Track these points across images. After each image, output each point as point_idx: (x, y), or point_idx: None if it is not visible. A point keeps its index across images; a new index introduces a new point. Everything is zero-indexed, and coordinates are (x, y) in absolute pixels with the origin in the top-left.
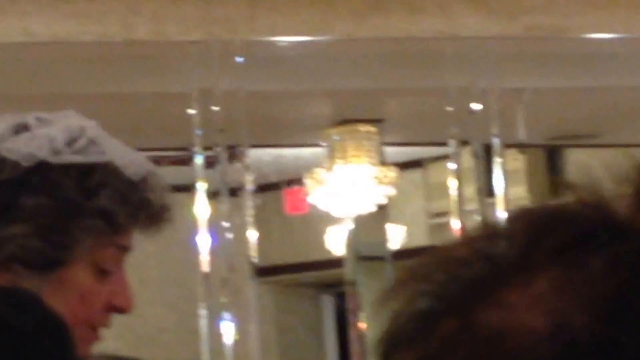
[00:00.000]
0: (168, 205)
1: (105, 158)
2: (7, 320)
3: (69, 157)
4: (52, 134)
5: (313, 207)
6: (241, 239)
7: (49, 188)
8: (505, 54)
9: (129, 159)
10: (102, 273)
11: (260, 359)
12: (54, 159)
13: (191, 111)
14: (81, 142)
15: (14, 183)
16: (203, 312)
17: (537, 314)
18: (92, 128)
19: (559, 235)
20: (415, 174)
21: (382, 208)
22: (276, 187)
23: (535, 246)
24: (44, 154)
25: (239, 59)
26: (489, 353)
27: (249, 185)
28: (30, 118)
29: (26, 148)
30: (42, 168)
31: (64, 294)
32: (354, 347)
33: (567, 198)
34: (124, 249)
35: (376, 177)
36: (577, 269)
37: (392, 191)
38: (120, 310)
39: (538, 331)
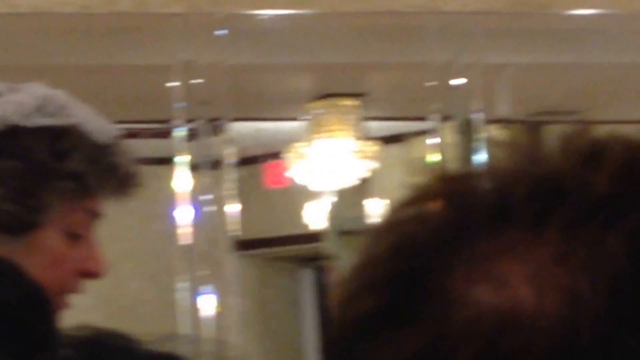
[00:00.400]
0: (137, 171)
1: (75, 122)
2: None
3: (40, 121)
4: (22, 99)
5: (293, 181)
6: (221, 213)
7: (20, 151)
8: (488, 29)
9: (98, 124)
10: (73, 237)
11: (240, 332)
12: (24, 123)
13: (173, 84)
14: (51, 107)
15: None
16: (183, 285)
17: (538, 289)
18: (60, 95)
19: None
20: (396, 149)
21: (362, 182)
22: (256, 160)
23: (542, 215)
24: (14, 118)
25: (221, 32)
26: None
27: (230, 159)
28: (0, 86)
29: None
30: (13, 132)
31: (35, 258)
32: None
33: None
34: (94, 214)
35: (358, 151)
36: (589, 244)
37: (373, 165)
38: (91, 275)
39: (546, 311)
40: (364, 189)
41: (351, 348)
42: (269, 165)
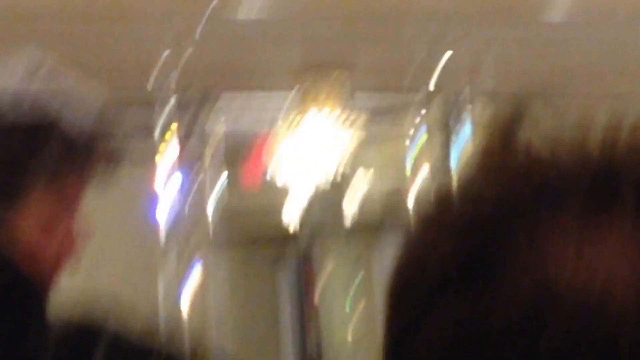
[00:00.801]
0: (111, 157)
1: (51, 109)
2: None
3: (27, 88)
4: (10, 66)
5: (270, 180)
6: (200, 210)
7: None
8: (477, 4)
9: (83, 93)
10: (49, 226)
11: (217, 330)
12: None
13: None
14: (41, 72)
15: None
16: (160, 282)
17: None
18: (51, 60)
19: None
20: (370, 152)
21: (340, 182)
22: (233, 161)
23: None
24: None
25: (212, 4)
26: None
27: (219, 132)
28: None
29: None
30: None
31: (11, 248)
32: (310, 321)
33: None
34: (70, 202)
35: (345, 122)
36: None
37: (361, 135)
38: (70, 261)
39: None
40: (339, 189)
41: (417, 310)
42: (245, 165)
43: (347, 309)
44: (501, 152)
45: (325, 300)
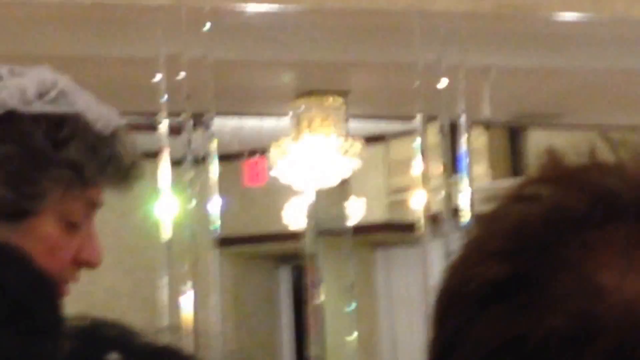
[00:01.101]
0: (137, 162)
1: (76, 110)
2: None
3: (40, 107)
4: (23, 84)
5: (272, 179)
6: (203, 208)
7: (19, 137)
8: (474, 30)
9: (100, 113)
10: (70, 226)
11: (217, 329)
12: (24, 109)
13: (157, 77)
14: (52, 94)
15: None
16: (162, 280)
17: None
18: (64, 81)
19: None
20: (377, 149)
21: (343, 183)
22: (236, 157)
23: None
24: (14, 102)
25: (206, 26)
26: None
27: (213, 154)
28: (2, 69)
29: None
30: (12, 117)
31: (31, 246)
32: (311, 320)
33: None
34: (93, 204)
35: (341, 149)
36: None
37: (357, 163)
38: (88, 264)
39: None
40: (344, 189)
41: (470, 312)
42: (248, 163)
43: (349, 310)
44: (556, 164)
45: (326, 300)
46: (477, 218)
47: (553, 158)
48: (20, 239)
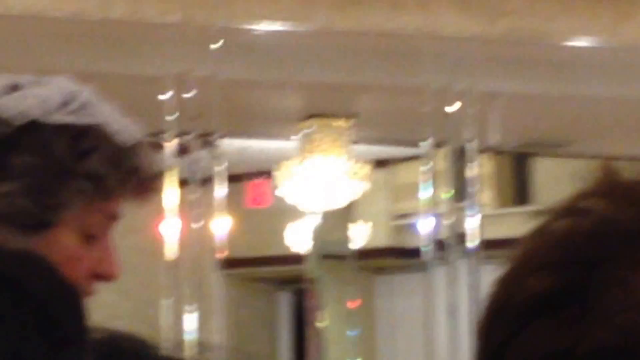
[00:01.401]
0: (158, 174)
1: (98, 121)
2: (21, 285)
3: (62, 118)
4: (45, 94)
5: (275, 201)
6: (207, 229)
7: (40, 148)
8: (484, 56)
9: (122, 125)
10: (89, 238)
11: (217, 349)
12: (46, 119)
13: (165, 95)
14: (74, 104)
15: (5, 141)
16: (165, 301)
17: None
18: (86, 92)
19: None
20: (381, 174)
21: (347, 206)
22: (239, 179)
23: None
24: (36, 113)
25: (215, 45)
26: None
27: (220, 175)
28: (24, 79)
29: (18, 106)
30: (33, 127)
31: (49, 257)
32: (312, 343)
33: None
34: (112, 217)
35: (348, 172)
36: None
37: (364, 186)
38: (105, 277)
39: None
40: (347, 213)
41: (518, 325)
42: (251, 185)
43: (350, 334)
44: (609, 179)
45: (328, 324)
46: (528, 232)
47: (607, 172)
48: (39, 249)
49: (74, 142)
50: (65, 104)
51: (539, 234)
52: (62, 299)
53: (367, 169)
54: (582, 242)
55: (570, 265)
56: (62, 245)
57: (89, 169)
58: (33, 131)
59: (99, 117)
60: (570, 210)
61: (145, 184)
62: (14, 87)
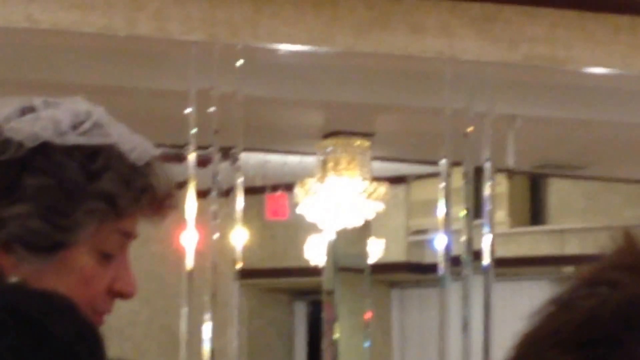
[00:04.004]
0: (172, 192)
1: (110, 141)
2: (44, 325)
3: (74, 139)
4: (57, 116)
5: (293, 214)
6: (226, 240)
7: (53, 169)
8: (503, 80)
9: (134, 144)
10: (104, 257)
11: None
12: (58, 140)
13: (188, 110)
14: (86, 125)
15: (18, 163)
16: (183, 310)
17: None
18: (98, 112)
19: None
20: (398, 190)
21: (364, 222)
22: (259, 191)
23: None
24: (48, 134)
25: (238, 63)
26: None
27: (239, 188)
28: (36, 101)
29: (31, 128)
30: (46, 149)
31: (65, 277)
32: (326, 355)
33: None
34: (128, 235)
35: (366, 192)
36: None
37: (380, 206)
38: (123, 295)
39: None
40: (364, 228)
41: None
42: (270, 197)
43: (363, 347)
44: (632, 250)
45: (342, 336)
46: (552, 300)
47: (629, 242)
48: (54, 271)
49: (86, 163)
50: (77, 125)
51: (564, 305)
52: (85, 341)
53: (384, 189)
54: (606, 321)
55: (594, 344)
56: (77, 265)
57: (101, 189)
58: (45, 153)
59: (111, 137)
60: (596, 282)
61: (159, 202)
62: (27, 110)
